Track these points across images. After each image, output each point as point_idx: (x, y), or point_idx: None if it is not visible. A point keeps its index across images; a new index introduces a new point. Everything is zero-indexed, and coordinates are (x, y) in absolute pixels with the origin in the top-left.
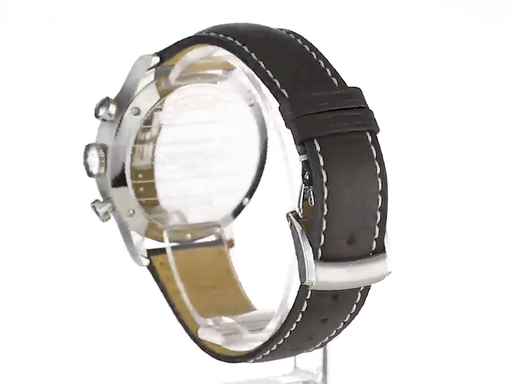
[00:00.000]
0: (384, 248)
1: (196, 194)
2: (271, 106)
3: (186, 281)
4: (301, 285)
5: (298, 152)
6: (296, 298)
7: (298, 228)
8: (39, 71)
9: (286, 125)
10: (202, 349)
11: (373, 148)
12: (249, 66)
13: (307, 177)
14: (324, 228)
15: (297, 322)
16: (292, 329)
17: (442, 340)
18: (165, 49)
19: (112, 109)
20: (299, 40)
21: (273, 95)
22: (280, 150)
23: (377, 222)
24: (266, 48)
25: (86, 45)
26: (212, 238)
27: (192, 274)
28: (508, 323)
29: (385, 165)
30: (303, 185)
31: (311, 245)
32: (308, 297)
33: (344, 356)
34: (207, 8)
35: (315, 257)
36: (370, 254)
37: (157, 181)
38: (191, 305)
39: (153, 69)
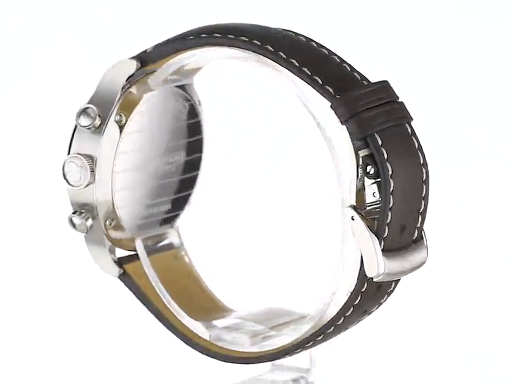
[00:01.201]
0: (422, 236)
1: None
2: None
3: (169, 287)
4: (362, 278)
5: (358, 148)
6: (352, 292)
7: (363, 221)
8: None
9: (342, 122)
10: (207, 354)
11: (413, 138)
12: (290, 70)
13: (371, 171)
14: (388, 219)
15: (345, 317)
16: (338, 323)
17: (436, 339)
18: (149, 52)
19: (98, 120)
20: (302, 38)
21: (322, 95)
22: (326, 147)
23: (420, 211)
24: (293, 48)
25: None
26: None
27: (170, 279)
28: (504, 324)
29: (425, 154)
30: (360, 179)
31: (377, 237)
32: (363, 290)
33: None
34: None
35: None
36: (412, 242)
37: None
38: (181, 310)
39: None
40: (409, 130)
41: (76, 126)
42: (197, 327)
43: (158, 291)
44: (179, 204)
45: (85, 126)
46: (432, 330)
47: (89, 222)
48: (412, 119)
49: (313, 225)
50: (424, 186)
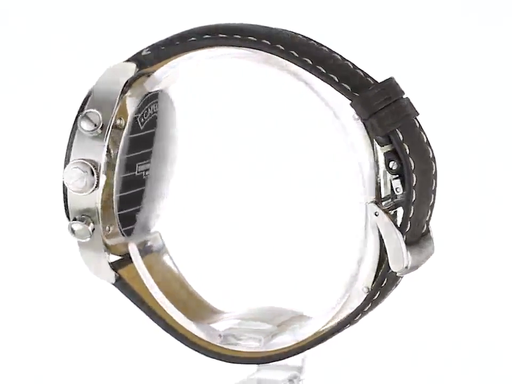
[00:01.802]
0: (429, 229)
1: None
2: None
3: (163, 290)
4: (384, 272)
5: (380, 144)
6: (373, 288)
7: (387, 216)
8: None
9: (362, 119)
10: (209, 355)
11: (422, 132)
12: (305, 68)
13: (393, 167)
14: (411, 214)
15: (362, 312)
16: (355, 318)
17: (430, 339)
18: (147, 55)
19: (100, 124)
20: (301, 36)
21: (340, 92)
22: (345, 144)
23: (430, 204)
24: (302, 47)
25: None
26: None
27: (162, 282)
28: (504, 324)
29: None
30: (381, 175)
31: (400, 232)
32: (383, 284)
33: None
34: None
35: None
36: (422, 235)
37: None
38: (179, 312)
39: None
40: (418, 125)
41: (75, 131)
42: (197, 329)
43: (154, 294)
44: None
45: (88, 131)
46: (426, 330)
47: (91, 227)
48: (418, 113)
49: (313, 225)
50: (434, 181)
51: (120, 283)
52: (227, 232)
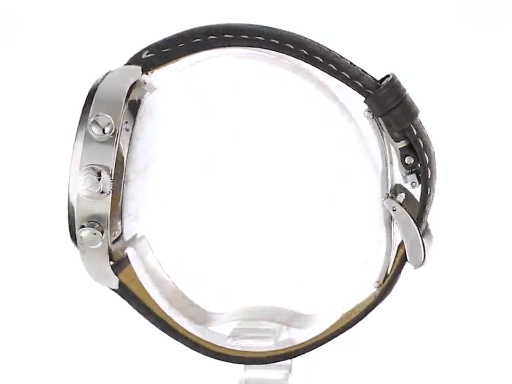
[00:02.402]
0: (427, 223)
1: None
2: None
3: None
4: (400, 267)
5: (395, 140)
6: (389, 282)
7: (406, 210)
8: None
9: (381, 115)
10: (215, 357)
11: (424, 128)
12: (317, 66)
13: (409, 162)
14: (426, 208)
15: (374, 307)
16: (367, 314)
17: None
18: (150, 57)
19: (112, 129)
20: (301, 36)
21: (355, 89)
22: (359, 140)
23: (433, 198)
24: (309, 46)
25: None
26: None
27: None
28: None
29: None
30: (393, 170)
31: (417, 226)
32: (396, 279)
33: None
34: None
35: None
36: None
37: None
38: (180, 314)
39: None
40: (419, 121)
41: (83, 135)
42: (202, 331)
43: (153, 296)
44: None
45: (100, 135)
46: (425, 329)
47: (102, 233)
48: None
49: (322, 223)
50: (435, 175)
51: (122, 287)
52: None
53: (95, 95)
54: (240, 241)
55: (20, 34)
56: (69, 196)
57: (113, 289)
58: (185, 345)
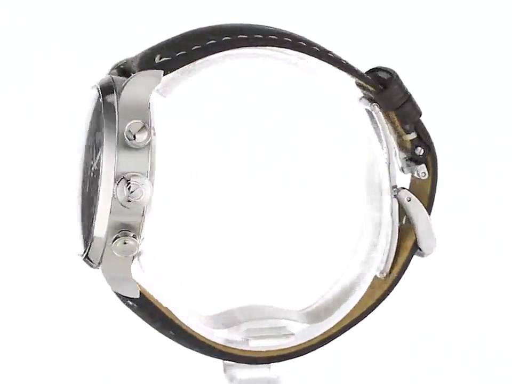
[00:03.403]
0: None
1: None
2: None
3: None
4: (410, 257)
5: (406, 132)
6: (398, 273)
7: (419, 200)
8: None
9: (397, 108)
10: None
11: None
12: (330, 63)
13: (419, 152)
14: (434, 196)
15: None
16: (378, 305)
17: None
18: (167, 61)
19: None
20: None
21: (369, 84)
22: (373, 134)
23: None
24: (317, 44)
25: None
26: None
27: None
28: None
29: None
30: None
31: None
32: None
33: None
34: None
35: None
36: None
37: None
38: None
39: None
40: None
41: (118, 144)
42: (220, 337)
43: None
44: None
45: (135, 142)
46: (423, 328)
47: (136, 242)
48: None
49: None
50: None
51: (141, 296)
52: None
53: (121, 101)
54: (232, 238)
55: (20, 34)
56: (98, 205)
57: (132, 300)
58: (209, 355)
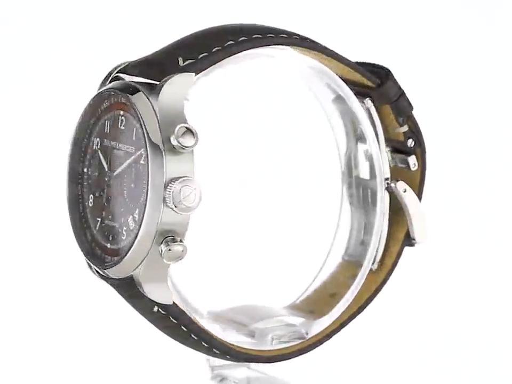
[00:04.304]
0: None
1: None
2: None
3: None
4: (402, 247)
5: (400, 125)
6: (392, 264)
7: (413, 191)
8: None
9: (393, 102)
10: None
11: None
12: (337, 59)
13: (411, 144)
14: (422, 187)
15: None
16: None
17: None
18: (191, 64)
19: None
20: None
21: (370, 79)
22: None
23: None
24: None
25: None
26: None
27: None
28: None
29: None
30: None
31: None
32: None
33: None
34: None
35: None
36: None
37: None
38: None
39: None
40: None
41: (166, 149)
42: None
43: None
44: None
45: (189, 146)
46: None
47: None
48: None
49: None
50: None
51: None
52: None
53: (160, 104)
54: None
55: (20, 34)
56: (145, 210)
57: (164, 306)
58: (236, 360)
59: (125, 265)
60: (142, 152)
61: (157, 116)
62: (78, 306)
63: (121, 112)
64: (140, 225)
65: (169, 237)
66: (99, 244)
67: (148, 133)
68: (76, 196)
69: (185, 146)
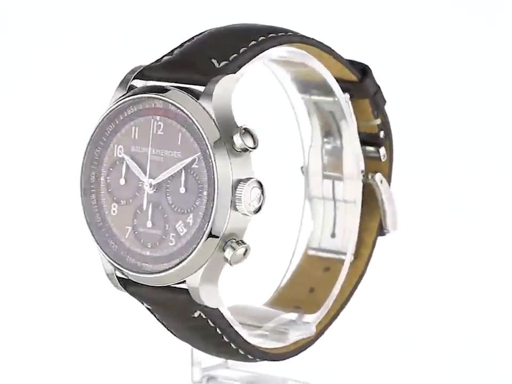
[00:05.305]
0: None
1: None
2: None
3: None
4: (376, 238)
5: (375, 118)
6: (369, 253)
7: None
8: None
9: (371, 97)
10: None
11: None
12: (332, 54)
13: (382, 136)
14: (390, 177)
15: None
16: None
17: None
18: (226, 65)
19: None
20: None
21: (354, 74)
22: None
23: None
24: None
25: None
26: None
27: None
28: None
29: None
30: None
31: None
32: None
33: None
34: None
35: None
36: None
37: None
38: None
39: None
40: None
41: (229, 151)
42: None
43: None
44: None
45: (251, 148)
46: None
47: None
48: None
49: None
50: None
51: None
52: None
53: (215, 106)
54: None
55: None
56: (212, 213)
57: (211, 309)
58: (255, 360)
59: (178, 272)
60: (196, 157)
61: (212, 119)
62: (78, 307)
63: (158, 118)
64: (199, 231)
65: (231, 240)
66: (131, 252)
67: (207, 137)
68: (91, 206)
69: (248, 147)
